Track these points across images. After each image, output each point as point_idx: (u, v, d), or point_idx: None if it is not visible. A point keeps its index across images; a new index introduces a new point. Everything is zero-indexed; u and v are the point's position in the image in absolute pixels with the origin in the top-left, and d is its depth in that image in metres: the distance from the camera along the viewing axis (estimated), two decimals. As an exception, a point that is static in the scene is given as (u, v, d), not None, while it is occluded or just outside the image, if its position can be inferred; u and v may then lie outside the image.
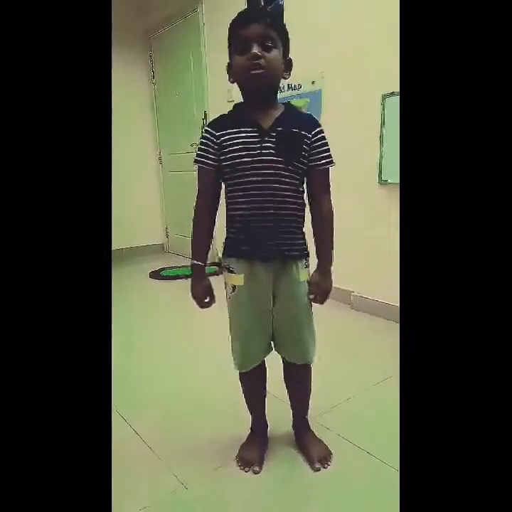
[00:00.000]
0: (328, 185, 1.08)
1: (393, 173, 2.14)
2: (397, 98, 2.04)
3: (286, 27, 1.01)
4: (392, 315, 2.24)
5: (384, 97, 2.09)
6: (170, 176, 4.19)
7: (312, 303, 1.13)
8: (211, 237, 1.11)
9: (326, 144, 1.04)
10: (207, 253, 1.10)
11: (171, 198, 4.26)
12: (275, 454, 1.26)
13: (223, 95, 3.26)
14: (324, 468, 1.19)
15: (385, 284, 2.22)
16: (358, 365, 1.80)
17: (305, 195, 1.07)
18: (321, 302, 1.12)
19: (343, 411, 1.46)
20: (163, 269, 3.58)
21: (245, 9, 1.01)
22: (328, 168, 1.05)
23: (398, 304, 2.22)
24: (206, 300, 1.11)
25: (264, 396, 1.25)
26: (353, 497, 1.10)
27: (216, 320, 2.43)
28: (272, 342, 1.15)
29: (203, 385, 1.68)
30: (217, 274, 3.79)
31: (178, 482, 1.16)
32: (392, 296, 2.26)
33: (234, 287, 1.08)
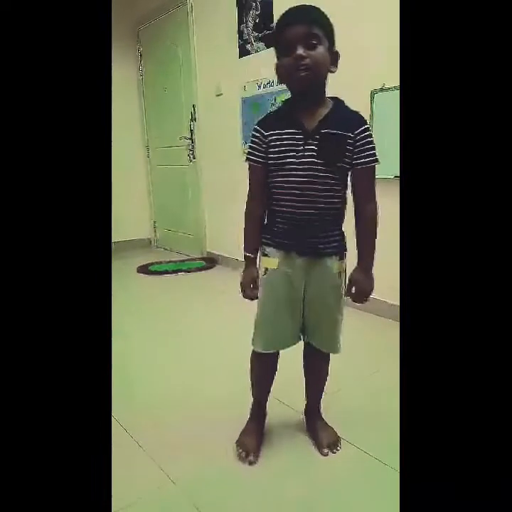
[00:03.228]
0: (372, 185, 1.09)
1: (382, 168, 2.14)
2: (386, 94, 2.05)
3: (330, 20, 1.00)
4: (381, 310, 2.26)
5: (373, 93, 2.09)
6: (158, 169, 4.15)
7: (351, 301, 1.16)
8: (262, 230, 1.13)
9: (370, 143, 1.04)
10: (258, 245, 1.14)
11: (159, 192, 4.23)
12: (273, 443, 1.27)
13: (212, 89, 3.24)
14: (333, 453, 1.22)
15: (375, 280, 2.23)
16: (346, 359, 1.80)
17: (348, 191, 1.09)
18: (360, 301, 1.14)
19: (331, 404, 1.46)
20: (151, 264, 3.55)
21: (288, 10, 0.99)
22: (372, 167, 1.06)
23: (386, 300, 2.24)
24: (252, 289, 1.15)
25: (271, 385, 1.27)
26: (337, 488, 1.11)
27: (206, 315, 2.43)
28: (300, 334, 1.18)
29: (192, 381, 1.68)
30: (206, 269, 3.75)
31: (166, 477, 1.16)
32: (380, 291, 2.27)
33: (266, 270, 1.11)
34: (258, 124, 1.08)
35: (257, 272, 1.15)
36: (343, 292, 1.15)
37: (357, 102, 2.14)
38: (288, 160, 1.02)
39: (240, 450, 1.22)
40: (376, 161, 1.06)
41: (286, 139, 1.02)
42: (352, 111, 1.07)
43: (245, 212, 1.15)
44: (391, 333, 2.08)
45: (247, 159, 1.10)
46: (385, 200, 2.17)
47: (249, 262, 1.15)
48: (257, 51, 2.77)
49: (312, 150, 1.01)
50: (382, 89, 2.06)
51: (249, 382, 1.29)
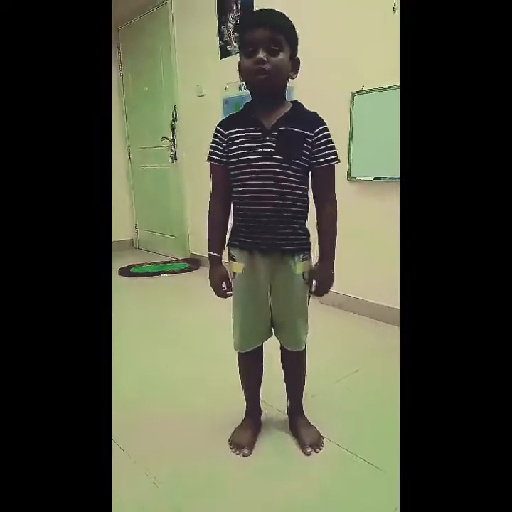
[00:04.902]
0: (332, 183, 1.11)
1: (362, 170, 2.18)
2: (365, 96, 2.07)
3: (295, 28, 1.03)
4: (361, 309, 2.29)
5: (353, 94, 2.12)
6: (139, 170, 4.12)
7: (311, 295, 1.19)
8: (225, 228, 1.16)
9: (330, 142, 1.06)
10: (222, 244, 1.17)
11: (141, 193, 4.19)
12: (265, 438, 1.30)
13: (193, 89, 3.23)
14: (316, 452, 1.24)
15: (354, 279, 2.26)
16: (327, 358, 1.82)
17: (310, 191, 1.11)
18: (320, 294, 1.17)
19: (313, 403, 1.48)
20: (132, 265, 3.51)
21: (254, 12, 1.01)
22: (331, 166, 1.08)
23: (366, 299, 2.27)
24: (224, 288, 1.18)
25: (259, 381, 1.31)
26: (321, 487, 1.12)
27: (190, 318, 2.42)
28: (272, 328, 1.22)
29: (175, 383, 1.67)
30: (189, 271, 3.72)
31: (149, 481, 1.15)
32: (360, 290, 2.31)
33: (234, 274, 1.15)
34: (219, 124, 1.11)
35: (225, 270, 1.17)
36: (307, 291, 1.17)
37: (337, 104, 2.18)
38: (247, 157, 1.04)
39: (232, 448, 1.26)
40: (336, 160, 1.08)
41: (245, 137, 1.05)
42: (310, 112, 1.10)
43: (208, 212, 1.16)
44: (371, 331, 2.11)
45: (209, 159, 1.12)
46: (364, 201, 2.21)
47: (215, 261, 1.17)
48: (237, 52, 2.76)
49: (270, 146, 1.03)
50: (361, 91, 2.08)
51: (234, 383, 1.31)
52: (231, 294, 1.19)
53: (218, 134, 1.10)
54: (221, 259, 1.17)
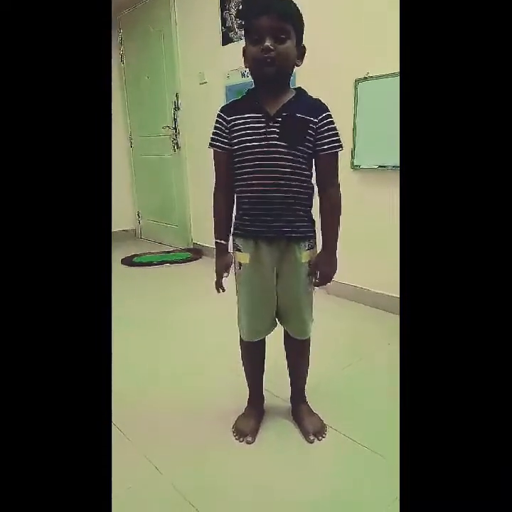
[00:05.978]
0: (335, 170, 1.10)
1: (365, 158, 2.16)
2: (369, 83, 2.04)
3: (302, 14, 1.01)
4: (367, 300, 2.29)
5: (357, 81, 2.09)
6: (141, 159, 4.09)
7: (314, 285, 1.19)
8: (231, 215, 1.16)
9: (333, 129, 1.05)
10: (228, 231, 1.16)
11: (143, 182, 4.17)
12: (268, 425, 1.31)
13: (195, 77, 3.19)
14: (318, 440, 1.25)
15: (360, 270, 2.25)
16: (329, 347, 1.83)
17: (314, 179, 1.10)
18: (321, 284, 1.17)
19: (316, 391, 1.49)
20: (135, 255, 3.52)
21: None
22: (335, 153, 1.07)
23: (370, 288, 2.27)
24: (225, 275, 1.20)
25: (262, 369, 1.32)
26: (324, 475, 1.13)
27: (193, 307, 2.43)
28: (276, 318, 1.22)
29: (179, 372, 1.68)
30: (192, 261, 3.72)
31: (152, 467, 1.16)
32: (366, 281, 2.30)
33: (240, 264, 1.14)
34: (221, 110, 1.09)
35: (230, 259, 1.17)
36: (312, 279, 1.17)
37: (341, 91, 2.15)
38: (251, 143, 1.03)
39: (235, 435, 1.27)
40: (339, 147, 1.07)
41: (249, 123, 1.04)
42: (314, 99, 1.09)
43: (213, 200, 1.17)
44: (375, 320, 2.11)
45: (211, 145, 1.11)
46: (368, 190, 2.19)
47: (221, 249, 1.18)
48: (240, 39, 2.73)
49: (274, 132, 1.02)
50: (365, 78, 2.06)
51: (237, 372, 1.32)
52: (224, 290, 1.20)
53: (220, 120, 1.08)
54: (227, 246, 1.17)
